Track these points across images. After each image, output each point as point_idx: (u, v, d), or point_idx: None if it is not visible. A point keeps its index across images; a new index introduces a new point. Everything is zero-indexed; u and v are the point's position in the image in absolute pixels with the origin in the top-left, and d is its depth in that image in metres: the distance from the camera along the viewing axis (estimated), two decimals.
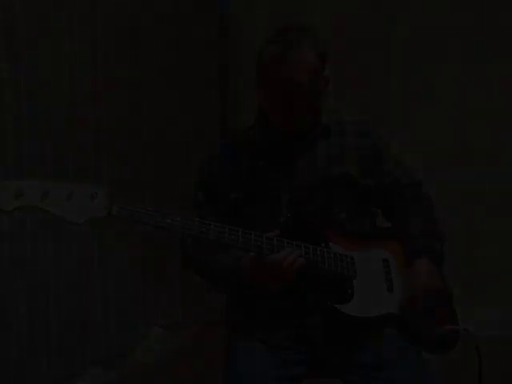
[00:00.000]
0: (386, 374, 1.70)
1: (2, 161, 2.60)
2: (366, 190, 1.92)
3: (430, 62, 3.71)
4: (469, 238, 3.53)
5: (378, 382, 1.70)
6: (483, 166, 3.62)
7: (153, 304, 3.54)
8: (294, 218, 1.82)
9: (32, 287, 2.75)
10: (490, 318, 3.47)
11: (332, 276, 1.78)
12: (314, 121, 1.88)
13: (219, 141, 1.82)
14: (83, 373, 3.06)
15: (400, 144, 2.13)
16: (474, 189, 3.60)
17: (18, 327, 2.70)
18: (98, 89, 3.13)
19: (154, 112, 3.55)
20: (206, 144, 3.64)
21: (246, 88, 3.88)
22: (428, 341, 1.82)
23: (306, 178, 1.86)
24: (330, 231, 1.83)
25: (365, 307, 1.77)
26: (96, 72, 3.12)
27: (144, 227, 1.64)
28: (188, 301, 3.80)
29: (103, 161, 3.15)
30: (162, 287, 3.55)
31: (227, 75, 4.14)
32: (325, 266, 1.76)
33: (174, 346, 3.59)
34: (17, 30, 2.68)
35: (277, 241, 1.70)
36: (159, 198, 3.54)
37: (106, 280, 3.19)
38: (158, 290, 3.55)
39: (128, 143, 3.35)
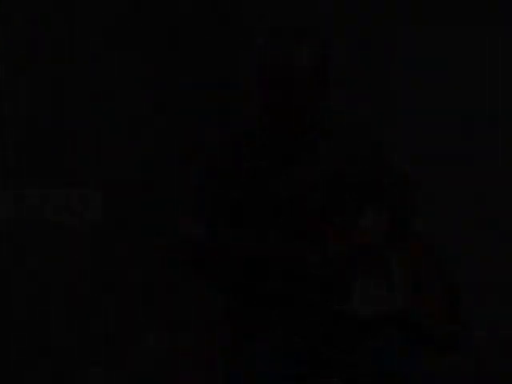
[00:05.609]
0: (385, 374, 1.70)
1: (2, 169, 2.61)
2: (366, 189, 1.92)
3: (429, 62, 3.70)
4: (472, 238, 3.52)
5: (378, 382, 1.70)
6: (483, 166, 3.61)
7: (153, 304, 3.54)
8: (294, 217, 1.82)
9: (32, 287, 2.75)
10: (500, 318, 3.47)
11: (332, 276, 1.78)
12: (313, 121, 1.89)
13: (219, 141, 1.82)
14: (83, 373, 3.06)
15: (399, 143, 2.13)
16: (474, 188, 3.59)
17: (18, 327, 2.70)
18: (97, 90, 3.13)
19: (152, 112, 3.54)
20: (205, 144, 3.63)
21: (246, 88, 3.88)
22: (429, 341, 1.82)
23: (306, 178, 1.86)
24: (330, 231, 1.83)
25: (365, 307, 1.77)
26: (96, 73, 3.12)
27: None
28: (188, 301, 3.80)
29: (101, 163, 3.15)
30: (161, 287, 3.55)
31: (227, 74, 4.14)
32: (325, 265, 1.76)
33: (173, 346, 3.59)
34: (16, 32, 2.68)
35: (276, 241, 1.70)
36: (158, 199, 3.53)
37: (105, 280, 3.19)
38: (158, 290, 3.55)
39: (127, 144, 3.34)
